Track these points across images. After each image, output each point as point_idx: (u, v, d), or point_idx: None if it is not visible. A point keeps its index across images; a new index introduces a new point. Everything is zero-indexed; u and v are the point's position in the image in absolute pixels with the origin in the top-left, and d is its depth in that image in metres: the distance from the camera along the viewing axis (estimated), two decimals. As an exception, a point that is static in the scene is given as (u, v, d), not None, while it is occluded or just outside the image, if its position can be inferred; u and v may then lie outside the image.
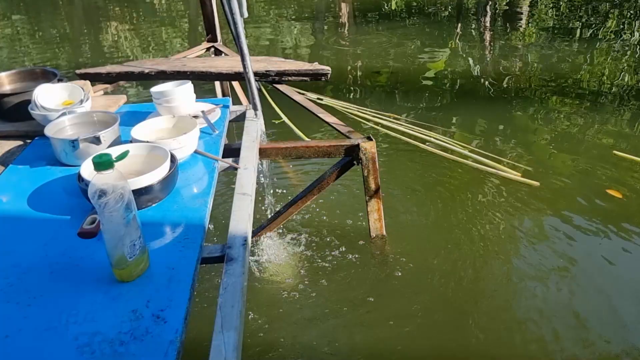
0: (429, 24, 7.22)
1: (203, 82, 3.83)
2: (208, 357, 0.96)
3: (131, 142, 1.58)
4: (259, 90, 2.98)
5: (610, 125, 3.63)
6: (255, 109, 2.20)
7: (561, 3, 7.98)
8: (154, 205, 1.38)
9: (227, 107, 2.11)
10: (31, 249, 1.22)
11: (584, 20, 6.89)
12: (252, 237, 1.77)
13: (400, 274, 2.24)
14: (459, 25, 7.17)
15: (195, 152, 1.66)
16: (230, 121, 2.13)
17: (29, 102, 1.80)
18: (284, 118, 3.72)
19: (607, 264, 2.25)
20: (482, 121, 3.82)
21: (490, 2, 8.42)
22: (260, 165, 2.32)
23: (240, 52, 2.07)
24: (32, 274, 1.13)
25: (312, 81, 2.80)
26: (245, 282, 1.19)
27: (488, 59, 5.57)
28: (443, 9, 8.18)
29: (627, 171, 2.97)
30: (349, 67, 5.45)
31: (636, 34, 6.03)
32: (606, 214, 2.59)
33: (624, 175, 2.93)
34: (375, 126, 3.62)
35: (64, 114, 1.74)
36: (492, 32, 6.73)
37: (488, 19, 7.53)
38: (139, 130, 1.65)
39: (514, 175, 2.92)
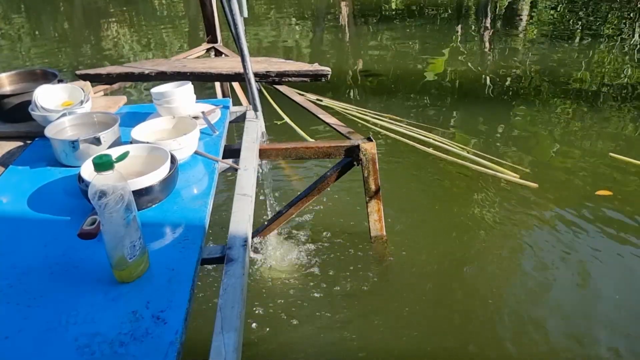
0: (429, 25, 7.22)
1: (203, 83, 3.84)
2: (208, 358, 0.96)
3: (131, 143, 1.58)
4: (260, 91, 2.98)
5: (609, 126, 3.63)
6: (255, 109, 2.20)
7: (561, 4, 7.98)
8: (154, 206, 1.38)
9: (227, 108, 2.11)
10: (31, 249, 1.22)
11: (584, 21, 6.89)
12: (252, 238, 1.77)
13: (400, 274, 2.24)
14: (459, 26, 7.17)
15: (196, 153, 1.66)
16: (230, 122, 2.13)
17: (29, 103, 1.80)
18: (286, 119, 3.72)
19: (606, 264, 2.25)
20: (481, 122, 3.82)
21: (490, 3, 8.43)
22: (260, 166, 2.32)
23: (240, 52, 2.07)
24: (32, 274, 1.14)
25: (312, 82, 2.80)
26: (245, 283, 1.19)
27: (488, 59, 5.57)
28: (443, 9, 8.19)
29: (623, 173, 2.98)
30: (349, 68, 5.45)
31: (636, 34, 6.04)
32: (603, 215, 2.59)
33: (620, 177, 2.94)
34: (375, 127, 3.62)
35: (64, 115, 1.74)
36: (492, 33, 6.74)
37: (488, 19, 7.54)
38: (139, 131, 1.65)
39: (513, 176, 2.92)
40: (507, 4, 8.38)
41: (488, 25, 7.22)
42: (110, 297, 1.06)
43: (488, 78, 4.81)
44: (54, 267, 1.16)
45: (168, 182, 1.39)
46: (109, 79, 2.85)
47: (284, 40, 6.88)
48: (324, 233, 2.50)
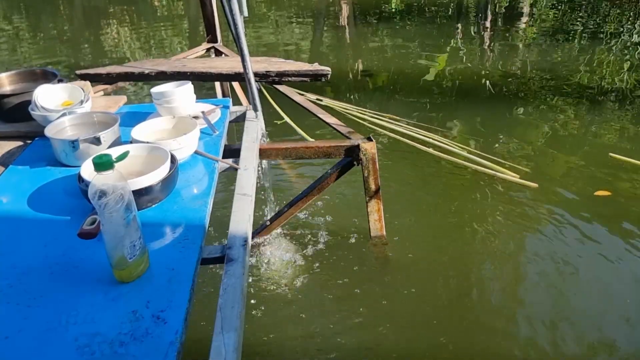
0: (429, 25, 7.22)
1: (203, 82, 3.84)
2: (208, 358, 0.96)
3: (131, 142, 1.58)
4: (260, 91, 2.98)
5: (609, 126, 3.63)
6: (255, 109, 2.21)
7: (561, 3, 7.98)
8: (154, 205, 1.38)
9: (227, 107, 2.11)
10: (31, 249, 1.22)
11: (584, 20, 6.89)
12: (252, 238, 1.77)
13: (400, 274, 2.24)
14: (459, 25, 7.17)
15: (196, 152, 1.66)
16: (230, 122, 2.13)
17: (29, 102, 1.80)
18: (286, 119, 3.72)
19: (606, 264, 2.25)
20: (481, 122, 3.82)
21: (490, 3, 8.42)
22: (260, 166, 2.32)
23: (240, 52, 2.07)
24: (32, 274, 1.13)
25: (312, 82, 2.80)
26: (245, 282, 1.19)
27: (488, 59, 5.57)
28: (443, 9, 8.19)
29: (623, 173, 2.97)
30: (349, 68, 5.45)
31: (636, 34, 6.03)
32: (603, 215, 2.59)
33: (620, 177, 2.94)
34: (375, 127, 3.62)
35: (64, 115, 1.74)
36: (492, 33, 6.74)
37: (488, 19, 7.54)
38: (139, 131, 1.65)
39: (513, 176, 2.92)
40: (507, 3, 8.39)
41: (488, 24, 7.22)
42: (110, 297, 1.06)
43: (488, 78, 4.81)
44: (54, 267, 1.16)
45: (168, 182, 1.38)
46: (109, 79, 2.85)
47: (284, 40, 6.88)
48: (324, 233, 2.50)
